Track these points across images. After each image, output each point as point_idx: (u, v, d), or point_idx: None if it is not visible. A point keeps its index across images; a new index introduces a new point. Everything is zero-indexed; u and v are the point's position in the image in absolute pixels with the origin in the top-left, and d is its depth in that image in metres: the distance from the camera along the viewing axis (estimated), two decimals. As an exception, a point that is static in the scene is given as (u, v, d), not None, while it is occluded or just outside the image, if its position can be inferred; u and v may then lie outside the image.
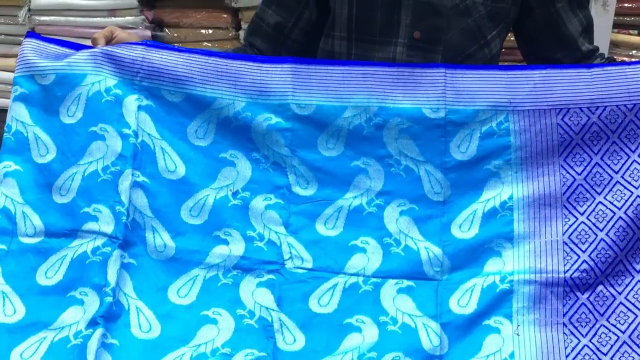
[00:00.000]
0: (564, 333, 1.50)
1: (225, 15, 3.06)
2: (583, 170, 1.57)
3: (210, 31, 3.05)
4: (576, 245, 1.53)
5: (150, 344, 1.47)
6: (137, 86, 1.61)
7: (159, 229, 1.57)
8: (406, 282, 1.55)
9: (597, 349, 1.48)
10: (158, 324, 1.50)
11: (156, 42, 1.67)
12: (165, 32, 3.07)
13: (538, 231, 1.55)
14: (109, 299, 1.46)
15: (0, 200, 1.55)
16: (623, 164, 1.56)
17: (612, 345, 1.49)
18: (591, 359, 1.48)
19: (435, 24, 1.72)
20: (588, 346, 1.49)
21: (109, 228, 1.53)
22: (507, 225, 1.57)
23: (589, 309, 1.51)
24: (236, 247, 1.57)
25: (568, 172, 1.57)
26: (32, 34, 1.66)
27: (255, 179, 1.61)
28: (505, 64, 2.79)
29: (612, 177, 1.56)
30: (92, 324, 1.44)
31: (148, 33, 2.98)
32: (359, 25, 1.74)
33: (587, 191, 1.56)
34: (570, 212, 1.56)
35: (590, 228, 1.54)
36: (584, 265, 1.52)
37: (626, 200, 1.54)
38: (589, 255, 1.52)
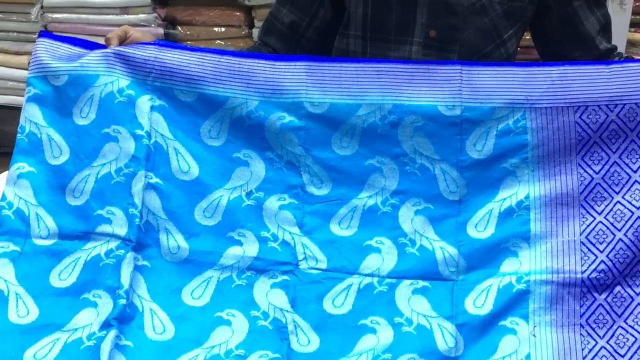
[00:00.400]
0: (581, 334, 1.51)
1: (238, 13, 3.07)
2: (601, 169, 1.58)
3: (223, 29, 3.07)
4: (594, 245, 1.54)
5: (164, 345, 1.50)
6: (149, 86, 1.63)
7: (173, 230, 1.60)
8: (421, 283, 1.57)
9: (615, 350, 1.49)
10: (172, 325, 1.52)
11: (168, 42, 1.70)
12: (177, 30, 3.09)
13: (555, 231, 1.57)
14: (123, 301, 1.49)
15: (14, 201, 1.58)
16: (642, 163, 1.58)
17: (629, 347, 1.49)
18: (608, 361, 1.49)
19: (451, 23, 1.73)
20: (605, 348, 1.50)
21: (122, 231, 1.56)
22: (523, 225, 1.58)
23: (606, 310, 1.52)
24: (250, 248, 1.60)
25: (585, 171, 1.58)
26: (45, 33, 1.70)
27: (269, 178, 1.63)
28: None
29: (630, 176, 1.57)
30: (106, 325, 1.47)
31: (160, 31, 3.00)
32: (374, 24, 1.76)
33: (605, 190, 1.57)
34: (587, 212, 1.57)
35: (608, 228, 1.55)
36: (602, 266, 1.53)
37: (645, 200, 1.55)
38: (607, 256, 1.53)
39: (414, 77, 1.62)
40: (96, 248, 1.56)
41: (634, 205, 1.55)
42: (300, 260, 1.60)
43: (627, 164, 1.57)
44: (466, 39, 1.75)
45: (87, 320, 1.49)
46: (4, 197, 1.59)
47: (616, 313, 1.52)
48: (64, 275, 1.54)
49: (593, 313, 1.52)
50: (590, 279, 1.53)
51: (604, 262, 1.53)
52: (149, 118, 1.62)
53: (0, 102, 3.25)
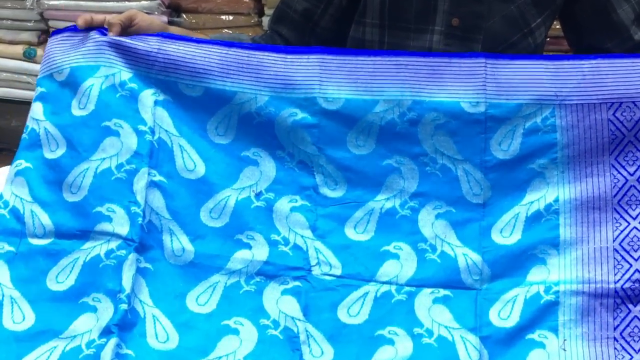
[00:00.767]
0: (615, 348, 1.49)
1: (247, 0, 3.06)
2: (636, 170, 1.55)
3: (231, 17, 3.06)
4: (627, 252, 1.52)
5: (167, 355, 1.48)
6: (153, 79, 1.62)
7: (177, 231, 1.58)
8: (442, 292, 1.55)
9: (651, 365, 1.48)
10: (176, 333, 1.51)
11: (173, 35, 1.68)
12: (182, 18, 3.08)
13: (586, 237, 1.54)
14: (124, 306, 1.47)
15: (9, 200, 1.57)
16: (680, 164, 1.55)
17: (667, 362, 1.48)
18: (644, 376, 1.47)
19: (475, 10, 1.71)
20: (641, 362, 1.48)
21: (123, 230, 1.54)
22: (552, 230, 1.56)
23: (642, 322, 1.50)
24: (259, 252, 1.58)
25: (619, 172, 1.56)
26: (55, 32, 1.70)
27: (280, 179, 1.62)
28: (550, 54, 2.79)
29: (667, 179, 1.55)
30: (106, 332, 1.45)
31: (164, 19, 2.99)
32: (393, 11, 1.74)
33: (641, 193, 1.55)
34: (621, 216, 1.55)
35: (643, 234, 1.53)
36: (637, 275, 1.51)
37: (683, 204, 1.53)
38: None
39: (435, 71, 1.60)
40: (95, 248, 1.54)
41: (671, 210, 1.53)
42: (313, 266, 1.58)
43: None
44: (491, 28, 1.72)
45: (87, 327, 1.48)
46: (0, 197, 1.58)
47: (652, 326, 1.50)
48: (61, 278, 1.52)
49: (628, 326, 1.50)
50: (624, 289, 1.51)
51: (639, 271, 1.51)
52: (152, 113, 1.60)
53: (-7, 95, 3.24)
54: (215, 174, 1.61)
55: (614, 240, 1.54)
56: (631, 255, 1.52)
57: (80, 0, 3.09)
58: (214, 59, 1.62)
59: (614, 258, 1.53)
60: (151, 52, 1.62)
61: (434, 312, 1.54)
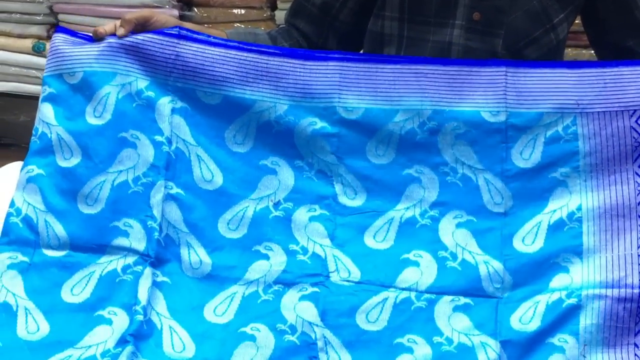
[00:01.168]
0: (636, 355, 1.49)
1: (259, -7, 3.05)
2: None
3: (243, 11, 3.04)
4: None
5: None
6: (170, 87, 1.61)
7: (195, 244, 1.58)
8: (463, 300, 1.55)
9: (673, 375, 1.47)
10: (192, 343, 1.51)
11: (189, 30, 1.66)
12: (193, 12, 3.07)
13: (610, 245, 1.54)
14: (140, 317, 1.48)
15: (22, 208, 1.56)
16: None
17: (689, 371, 1.48)
18: (666, 385, 1.47)
19: (496, 4, 1.70)
20: (662, 372, 1.48)
21: (140, 245, 1.55)
22: (575, 239, 1.56)
23: (664, 330, 1.50)
24: (277, 262, 1.58)
25: None
26: (61, 29, 1.68)
27: (299, 188, 1.62)
28: (569, 49, 2.77)
29: (691, 187, 1.54)
30: (122, 342, 1.46)
31: (175, 13, 2.98)
32: (412, 5, 1.73)
33: (665, 201, 1.54)
34: None
35: (667, 241, 1.52)
36: None
37: None
38: None
39: (455, 80, 1.60)
40: (112, 262, 1.54)
41: (696, 218, 1.52)
42: (332, 272, 1.58)
43: None
44: (513, 23, 1.71)
45: (102, 338, 1.48)
46: (12, 204, 1.57)
47: (675, 334, 1.50)
48: (76, 290, 1.53)
49: None
50: None
51: None
52: (169, 122, 1.60)
53: (2, 90, 3.23)
54: (233, 183, 1.61)
55: (638, 247, 1.53)
56: (655, 262, 1.52)
57: (90, -6, 3.08)
58: (232, 65, 1.62)
59: (639, 264, 1.52)
60: (169, 58, 1.61)
61: (453, 321, 1.54)
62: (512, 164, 1.59)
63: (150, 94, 1.60)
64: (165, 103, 1.61)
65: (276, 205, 1.61)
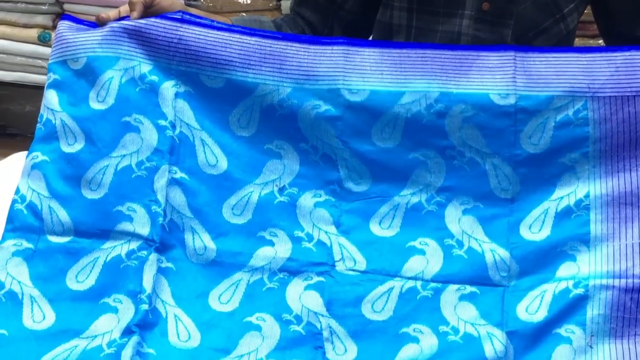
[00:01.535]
0: None
1: (265, -17, 3.05)
2: None
3: (249, 0, 3.04)
4: None
5: (189, 353, 1.48)
6: (174, 71, 1.61)
7: (199, 230, 1.58)
8: (469, 288, 1.55)
9: (680, 365, 1.47)
10: (198, 332, 1.51)
11: (193, 15, 1.66)
12: (199, 1, 3.07)
13: (618, 233, 1.53)
14: (145, 307, 1.48)
15: (27, 194, 1.57)
16: None
17: (697, 362, 1.47)
18: (674, 376, 1.46)
19: None
20: (670, 362, 1.47)
21: (144, 230, 1.54)
22: (582, 227, 1.55)
23: (672, 320, 1.49)
24: (282, 249, 1.58)
25: None
26: (66, 16, 1.69)
27: (304, 173, 1.61)
28: (577, 39, 2.76)
29: (703, 174, 1.53)
30: (127, 332, 1.46)
31: (180, 1, 2.97)
32: None
33: (675, 189, 1.53)
34: None
35: (677, 230, 1.51)
36: None
37: None
38: None
39: (463, 64, 1.59)
40: (116, 248, 1.54)
41: None
42: (337, 261, 1.58)
43: None
44: (522, 13, 1.70)
45: (108, 327, 1.48)
46: (17, 191, 1.58)
47: (683, 324, 1.49)
48: (81, 277, 1.53)
49: None
50: None
51: None
52: (173, 106, 1.60)
53: (7, 79, 3.24)
54: (238, 168, 1.61)
55: None
56: (665, 252, 1.51)
57: (96, -18, 3.09)
58: (235, 49, 1.61)
59: None
60: (172, 42, 1.61)
61: (460, 310, 1.53)
62: (521, 149, 1.58)
63: (154, 78, 1.60)
64: (168, 87, 1.61)
65: (281, 190, 1.61)
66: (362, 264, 1.58)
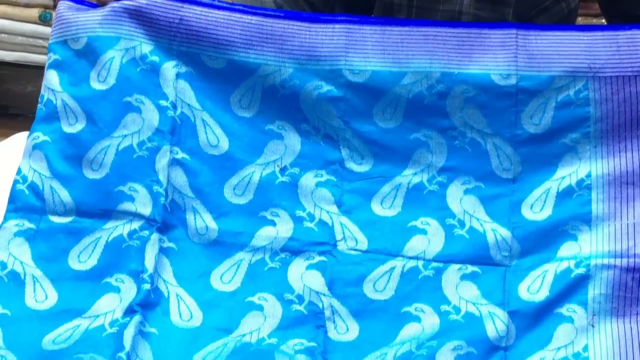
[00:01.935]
0: None
1: (267, -39, 3.04)
2: None
3: (250, -20, 3.03)
4: None
5: (191, 332, 1.50)
6: (175, 51, 1.62)
7: (200, 210, 1.59)
8: (470, 268, 1.56)
9: (682, 344, 1.48)
10: (200, 312, 1.53)
11: None
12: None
13: (619, 213, 1.53)
14: (147, 286, 1.49)
15: (28, 175, 1.58)
16: None
17: (699, 341, 1.48)
18: (675, 355, 1.47)
19: None
20: (672, 341, 1.48)
21: (146, 210, 1.56)
22: (584, 206, 1.55)
23: (674, 300, 1.50)
24: (284, 229, 1.59)
25: None
26: None
27: (305, 153, 1.62)
28: (579, 18, 2.75)
29: None
30: (129, 312, 1.47)
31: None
32: None
33: (676, 169, 1.53)
34: None
35: (678, 209, 1.51)
36: None
37: None
38: None
39: (465, 42, 1.59)
40: (118, 228, 1.55)
41: None
42: (339, 241, 1.59)
43: None
44: None
45: (110, 307, 1.50)
46: (19, 171, 1.59)
47: (685, 304, 1.50)
48: (83, 257, 1.54)
49: None
50: None
51: None
52: (174, 87, 1.60)
53: (8, 59, 3.23)
54: (239, 148, 1.62)
55: None
56: (665, 231, 1.51)
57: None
58: (236, 29, 1.61)
59: None
60: (173, 22, 1.61)
61: (461, 289, 1.54)
62: (522, 129, 1.58)
63: (155, 58, 1.61)
64: (169, 67, 1.61)
65: (282, 170, 1.62)
66: (363, 244, 1.59)
